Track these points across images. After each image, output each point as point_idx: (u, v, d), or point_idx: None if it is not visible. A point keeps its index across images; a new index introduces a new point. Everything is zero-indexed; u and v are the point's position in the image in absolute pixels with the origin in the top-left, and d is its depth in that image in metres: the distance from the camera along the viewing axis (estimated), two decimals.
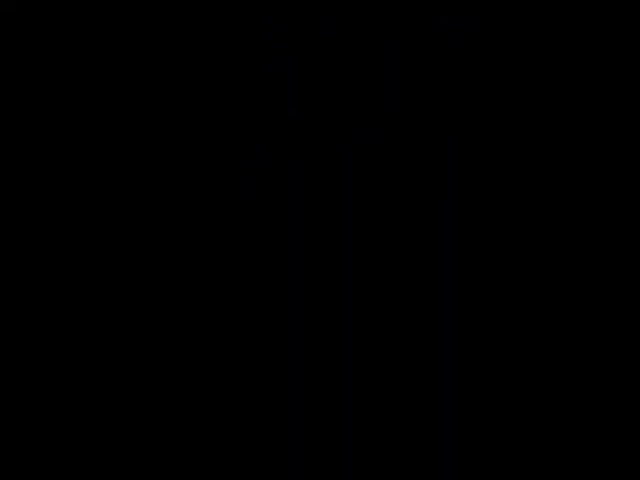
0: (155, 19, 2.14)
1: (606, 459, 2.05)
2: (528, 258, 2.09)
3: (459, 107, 2.11)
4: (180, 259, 2.12)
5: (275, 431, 2.10)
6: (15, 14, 2.13)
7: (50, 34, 2.13)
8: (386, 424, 2.09)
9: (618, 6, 2.11)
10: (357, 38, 2.13)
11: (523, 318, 2.08)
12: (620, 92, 2.10)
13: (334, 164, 2.12)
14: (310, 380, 2.10)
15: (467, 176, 2.11)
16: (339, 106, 2.13)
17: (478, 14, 2.12)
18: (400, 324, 2.10)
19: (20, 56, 2.14)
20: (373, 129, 2.12)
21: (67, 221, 2.12)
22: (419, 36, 2.12)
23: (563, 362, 2.08)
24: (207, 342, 2.11)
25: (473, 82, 2.12)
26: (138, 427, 2.10)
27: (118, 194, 2.13)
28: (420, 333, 2.10)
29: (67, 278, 2.12)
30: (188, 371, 2.11)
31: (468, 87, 2.12)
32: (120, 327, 2.11)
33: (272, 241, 2.12)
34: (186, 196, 2.13)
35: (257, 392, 2.10)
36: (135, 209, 2.12)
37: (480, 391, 2.08)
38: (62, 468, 2.09)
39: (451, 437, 2.08)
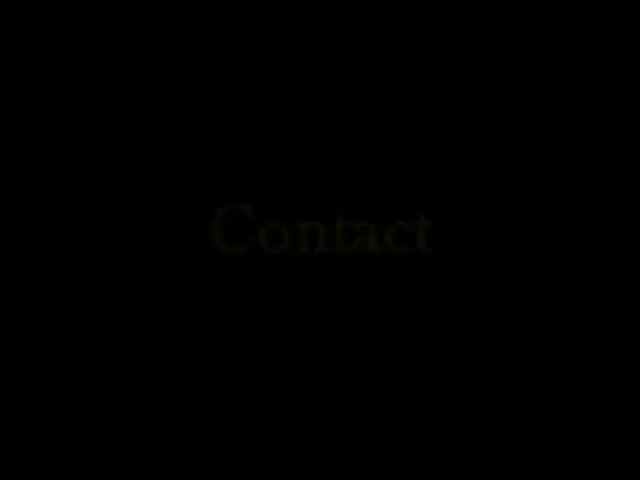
0: (155, 19, 2.14)
1: (606, 459, 2.06)
2: (528, 258, 2.09)
3: (459, 107, 2.12)
4: (180, 259, 2.12)
5: (275, 431, 2.10)
6: (15, 14, 2.14)
7: (50, 34, 2.13)
8: (386, 424, 2.09)
9: (618, 6, 2.11)
10: (357, 38, 2.13)
11: (523, 318, 2.09)
12: (620, 92, 2.10)
13: (334, 164, 2.12)
14: (310, 380, 2.10)
15: (467, 176, 2.11)
16: (339, 106, 2.13)
17: (478, 14, 2.12)
18: (400, 324, 2.10)
19: (20, 56, 2.14)
20: (373, 129, 2.12)
21: (67, 221, 2.12)
22: (419, 36, 2.12)
23: (563, 362, 2.08)
24: (206, 341, 2.12)
25: (473, 82, 2.12)
26: (138, 427, 2.10)
27: (118, 194, 2.13)
28: (420, 333, 2.10)
29: (67, 278, 2.12)
30: (188, 371, 2.11)
31: (468, 87, 2.12)
32: (120, 327, 2.11)
33: (272, 241, 2.12)
34: (186, 196, 2.13)
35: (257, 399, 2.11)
36: (134, 209, 2.12)
37: (480, 391, 2.09)
38: (62, 468, 2.09)
39: (451, 437, 2.08)
